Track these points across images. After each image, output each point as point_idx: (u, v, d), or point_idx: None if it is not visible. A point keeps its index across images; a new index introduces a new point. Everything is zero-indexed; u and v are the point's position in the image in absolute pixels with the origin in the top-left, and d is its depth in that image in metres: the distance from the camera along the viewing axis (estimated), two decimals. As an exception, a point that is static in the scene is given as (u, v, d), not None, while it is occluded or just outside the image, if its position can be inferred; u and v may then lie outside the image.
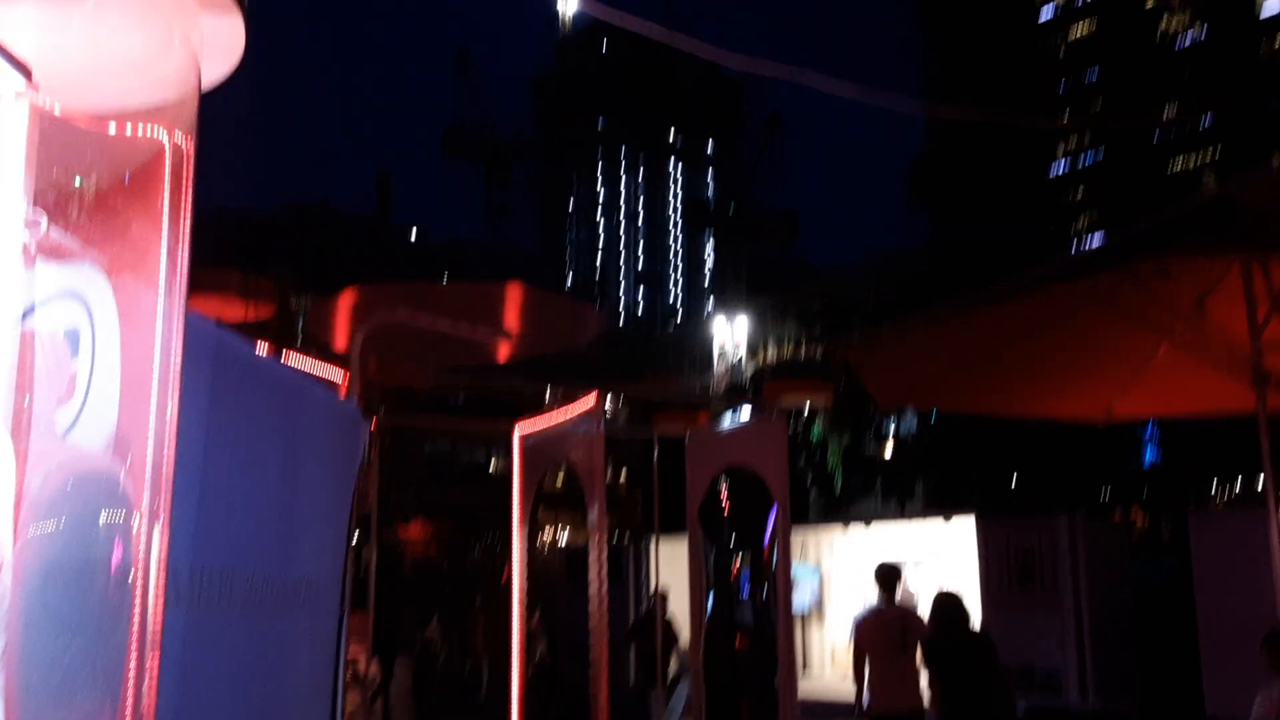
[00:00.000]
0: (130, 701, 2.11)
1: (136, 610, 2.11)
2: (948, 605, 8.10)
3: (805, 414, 21.59)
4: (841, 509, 20.15)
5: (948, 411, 17.29)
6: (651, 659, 10.71)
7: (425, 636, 16.02)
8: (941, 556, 16.76)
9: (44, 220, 2.16)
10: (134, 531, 2.15)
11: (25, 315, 2.17)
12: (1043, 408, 7.46)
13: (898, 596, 8.76)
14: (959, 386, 6.64)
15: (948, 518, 16.44)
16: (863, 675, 8.22)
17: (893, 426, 21.34)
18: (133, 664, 2.11)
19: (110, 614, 2.10)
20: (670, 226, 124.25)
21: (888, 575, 8.61)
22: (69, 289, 2.27)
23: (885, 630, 8.25)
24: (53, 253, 2.21)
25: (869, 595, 9.20)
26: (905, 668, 8.17)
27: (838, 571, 18.76)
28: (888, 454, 20.93)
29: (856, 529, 18.55)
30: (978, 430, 18.44)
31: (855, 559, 18.71)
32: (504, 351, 8.91)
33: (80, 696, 2.06)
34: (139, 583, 2.12)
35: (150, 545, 2.16)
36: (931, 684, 8.05)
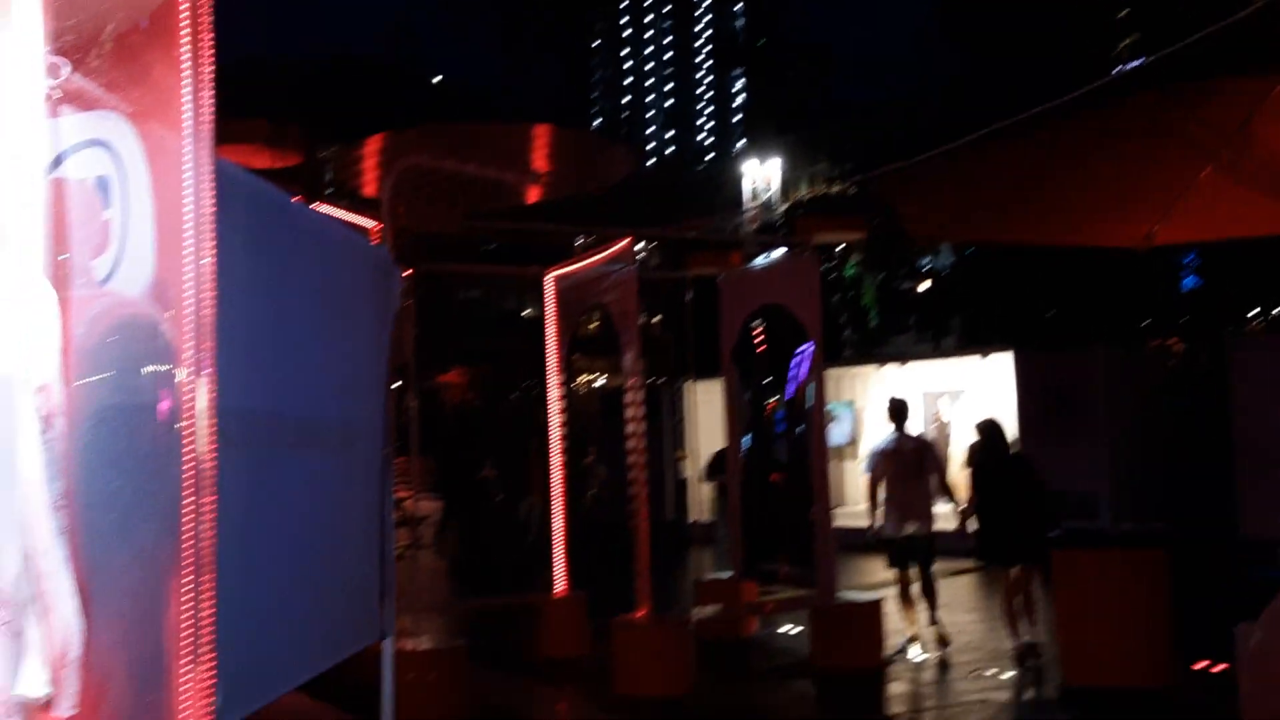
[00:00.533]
0: (189, 539, 2.19)
1: (188, 452, 2.17)
2: (992, 430, 8.60)
3: (839, 251, 21.42)
4: (876, 347, 20.19)
5: (984, 243, 17.08)
6: (725, 492, 11.00)
7: (480, 478, 16.44)
8: (978, 391, 16.87)
9: (65, 67, 2.13)
10: (178, 376, 2.20)
11: (54, 165, 2.17)
12: (1082, 235, 7.35)
13: (912, 428, 9.12)
14: (996, 216, 6.54)
15: (985, 354, 16.47)
16: (876, 501, 8.65)
17: (928, 262, 21.13)
18: (189, 503, 2.18)
19: (161, 456, 2.16)
20: (699, 63, 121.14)
21: (899, 409, 8.90)
22: (95, 137, 2.26)
23: (899, 459, 8.59)
24: (76, 100, 2.19)
25: (914, 428, 9.37)
26: (916, 493, 8.55)
27: (872, 408, 18.96)
28: (923, 290, 20.79)
29: (891, 367, 18.64)
30: (1014, 263, 18.24)
31: (890, 396, 18.86)
32: (534, 194, 8.85)
33: (139, 533, 2.14)
34: (187, 426, 2.18)
35: (195, 389, 2.20)
36: (975, 502, 8.51)
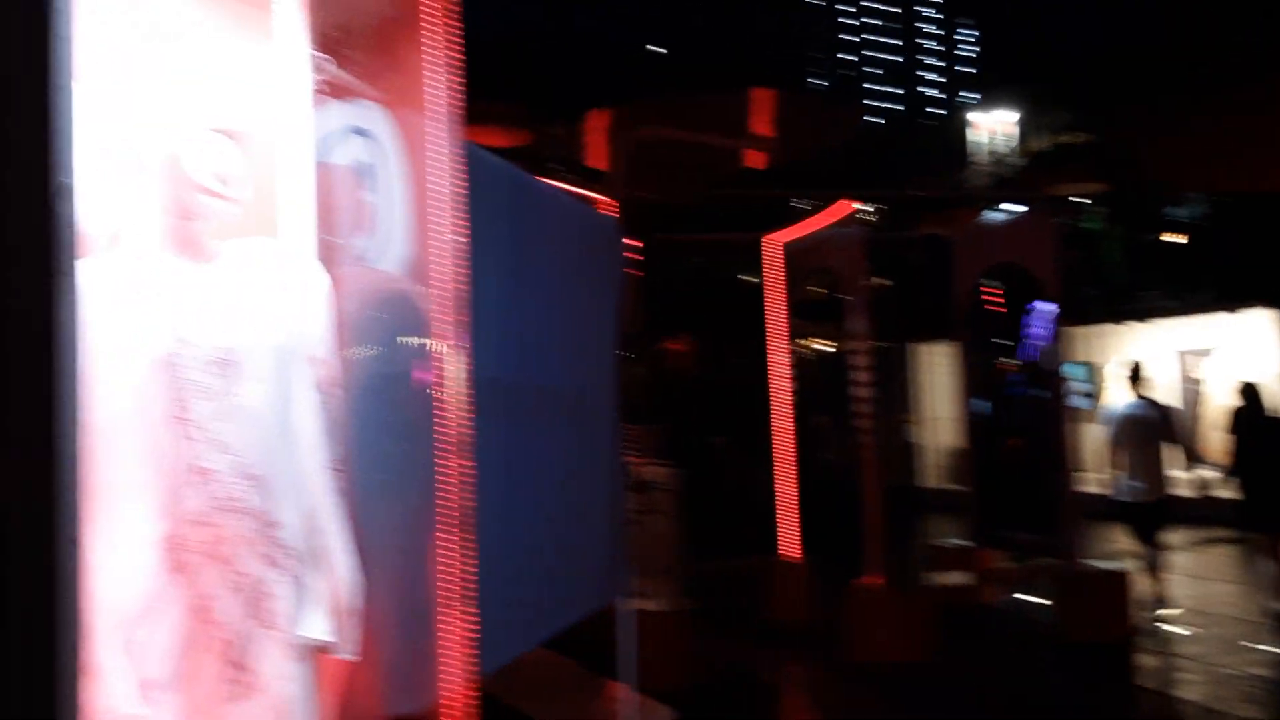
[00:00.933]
0: (448, 500, 2.34)
1: (447, 418, 2.32)
2: (1251, 391, 8.38)
3: (1079, 205, 20.30)
4: (1119, 304, 19.05)
5: (1242, 191, 15.79)
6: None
7: (712, 444, 16.60)
8: (1230, 350, 15.71)
9: (328, 61, 2.30)
10: (436, 347, 2.34)
11: (322, 153, 2.34)
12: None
13: (1150, 391, 8.76)
14: (1259, 160, 6.06)
15: (1233, 310, 15.33)
16: (1120, 466, 8.32)
17: (1176, 213, 19.72)
18: (447, 466, 2.33)
19: (423, 422, 2.32)
20: (923, 14, 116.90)
21: (1136, 372, 8.50)
22: (356, 125, 2.43)
23: (1136, 424, 8.24)
24: (339, 92, 2.36)
25: (1152, 391, 8.92)
26: (1152, 459, 8.14)
27: (1115, 369, 17.94)
28: (1171, 243, 19.43)
29: (1135, 325, 17.58)
30: (1271, 212, 16.78)
31: (1136, 356, 17.83)
32: (758, 160, 8.82)
33: (407, 494, 2.30)
34: (445, 393, 2.32)
35: (451, 359, 2.34)
36: (1235, 467, 8.27)
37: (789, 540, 9.14)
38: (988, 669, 7.36)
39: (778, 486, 9.35)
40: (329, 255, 2.29)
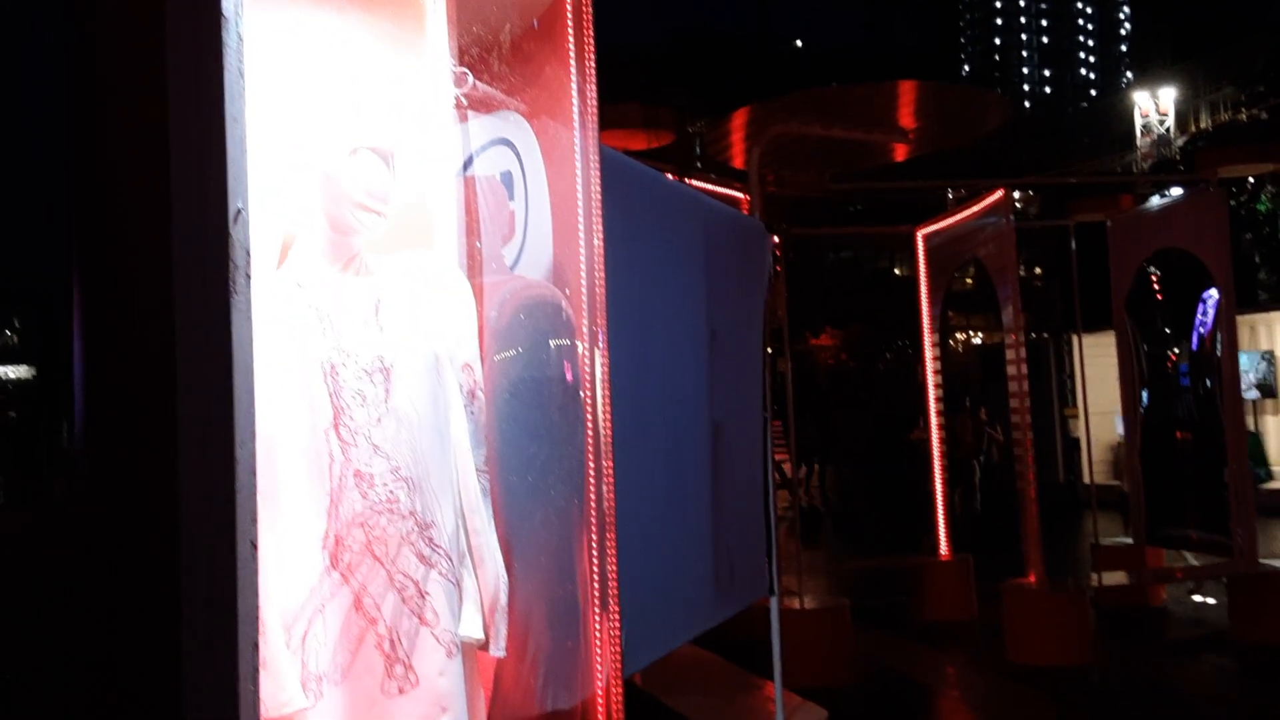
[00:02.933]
0: (593, 500, 2.39)
1: (589, 420, 2.36)
2: None
3: (1250, 185, 19.22)
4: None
5: None
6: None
7: (863, 441, 16.44)
8: None
9: (470, 76, 2.38)
10: (579, 352, 2.39)
11: (465, 166, 2.42)
12: None
13: None
14: None
15: None
16: None
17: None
18: (591, 467, 2.38)
19: (568, 423, 2.37)
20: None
21: None
22: (498, 136, 2.50)
23: None
24: (481, 105, 2.43)
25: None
26: None
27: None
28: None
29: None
30: None
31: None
32: (902, 151, 8.65)
33: (552, 493, 2.36)
34: (589, 396, 2.37)
35: (594, 362, 2.38)
36: None
37: (945, 538, 8.95)
38: (1153, 673, 7.06)
39: (933, 484, 9.16)
40: (475, 264, 2.37)
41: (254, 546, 1.50)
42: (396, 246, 2.36)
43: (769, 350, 5.11)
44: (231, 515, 1.47)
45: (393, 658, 2.14)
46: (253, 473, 1.49)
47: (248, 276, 1.50)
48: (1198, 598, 8.87)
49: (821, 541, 12.71)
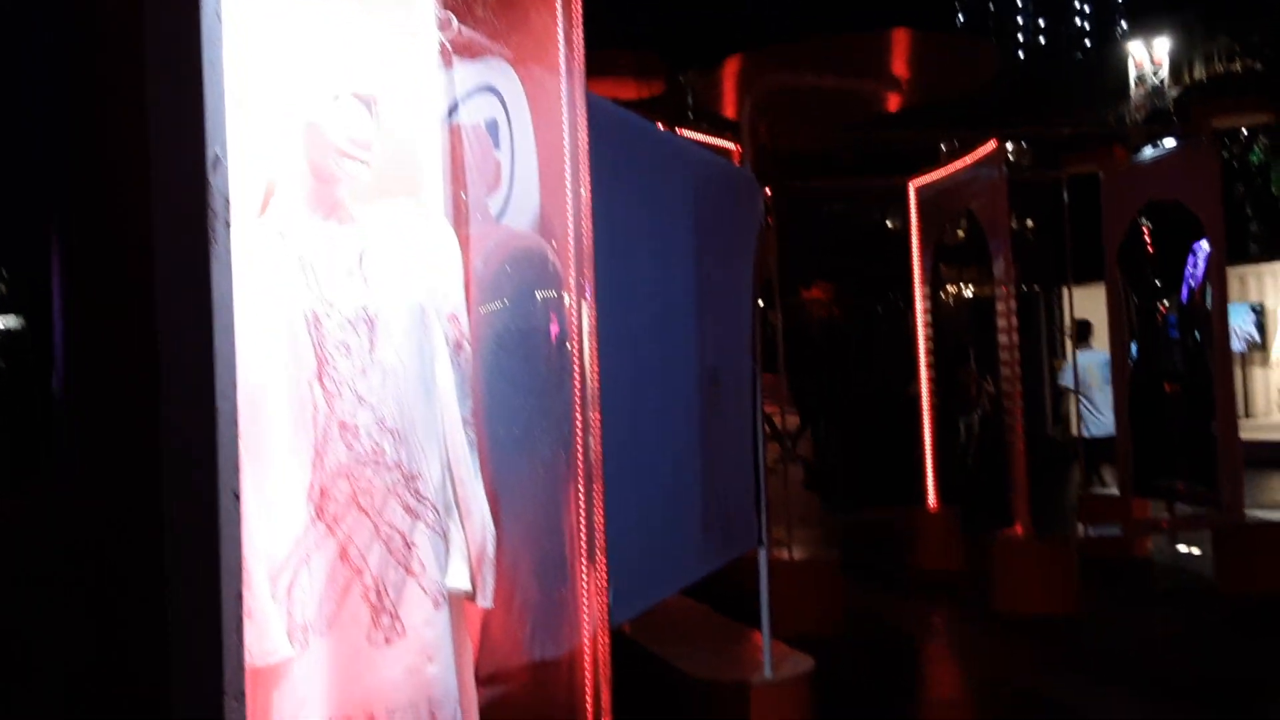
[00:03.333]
0: (580, 451, 2.38)
1: (576, 372, 2.35)
2: None
3: (1243, 137, 19.15)
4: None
5: None
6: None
7: (854, 395, 16.42)
8: None
9: (454, 20, 2.33)
10: (566, 303, 2.37)
11: (450, 113, 2.39)
12: None
13: None
14: None
15: None
16: None
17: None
18: (579, 419, 2.37)
19: (554, 376, 2.36)
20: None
21: None
22: (484, 83, 2.46)
23: None
24: (466, 50, 2.39)
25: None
26: None
27: (1284, 309, 17.00)
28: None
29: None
30: None
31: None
32: (894, 102, 8.59)
33: (538, 446, 2.36)
34: (576, 348, 2.35)
35: (581, 314, 2.37)
36: None
37: (934, 490, 9.01)
38: (1137, 623, 7.13)
39: (923, 436, 9.19)
40: (460, 213, 2.34)
41: (236, 497, 1.49)
42: (381, 195, 2.34)
43: (760, 303, 5.09)
44: (213, 466, 1.46)
45: (379, 608, 2.14)
46: (234, 424, 1.47)
47: (227, 224, 1.47)
48: (1183, 548, 8.96)
49: (814, 494, 12.77)
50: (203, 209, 1.45)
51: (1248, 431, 10.33)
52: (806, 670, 4.59)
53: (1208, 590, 7.68)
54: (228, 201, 1.47)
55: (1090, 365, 10.50)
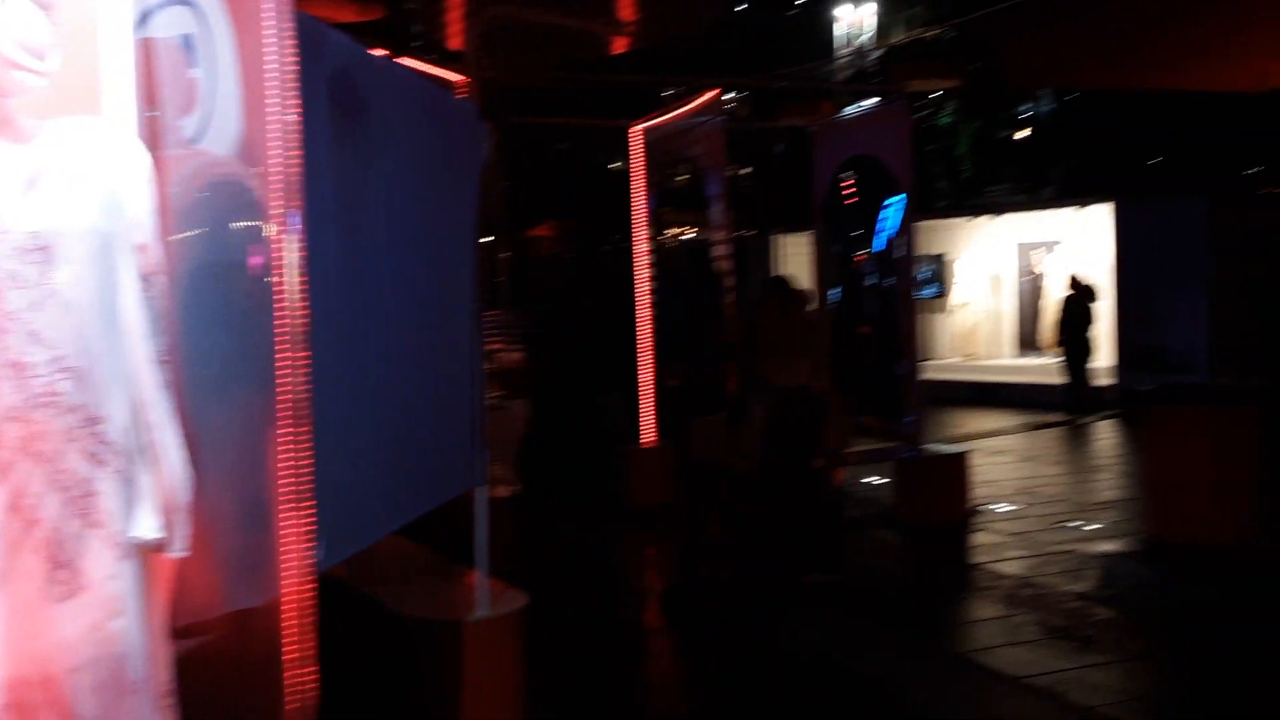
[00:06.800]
0: (285, 392, 2.28)
1: (279, 307, 2.24)
2: (1078, 283, 10.24)
3: (934, 99, 20.65)
4: (970, 198, 19.62)
5: (1091, 88, 16.27)
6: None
7: (574, 329, 16.60)
8: (1075, 243, 16.44)
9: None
10: (268, 233, 2.25)
11: (140, 23, 2.19)
12: (1195, 78, 6.99)
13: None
14: (1103, 60, 6.25)
15: (1083, 205, 16.01)
16: None
17: (1027, 109, 20.26)
18: (284, 357, 2.26)
19: (255, 311, 2.24)
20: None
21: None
22: (178, -6, 2.27)
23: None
24: (158, -43, 2.20)
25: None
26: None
27: (966, 261, 18.59)
28: (1020, 139, 20.02)
29: (985, 219, 18.20)
30: (1118, 110, 17.37)
31: (983, 248, 18.50)
32: (621, 44, 8.67)
33: (238, 387, 2.23)
34: (279, 281, 2.24)
35: (285, 245, 2.25)
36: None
37: (649, 428, 9.29)
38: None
39: (639, 374, 9.44)
40: (152, 135, 2.16)
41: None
42: (60, 112, 2.12)
43: (486, 239, 5.03)
44: None
45: (56, 561, 1.98)
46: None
47: None
48: (874, 479, 9.69)
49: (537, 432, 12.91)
50: None
51: (931, 373, 11.26)
52: (520, 606, 4.65)
53: (887, 517, 8.39)
54: None
55: None
